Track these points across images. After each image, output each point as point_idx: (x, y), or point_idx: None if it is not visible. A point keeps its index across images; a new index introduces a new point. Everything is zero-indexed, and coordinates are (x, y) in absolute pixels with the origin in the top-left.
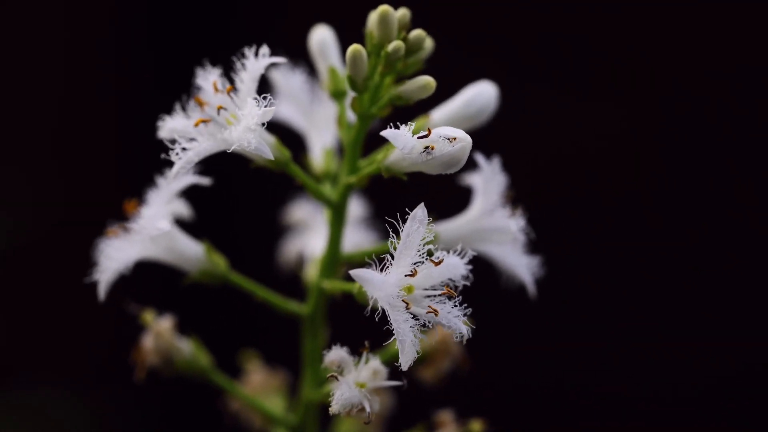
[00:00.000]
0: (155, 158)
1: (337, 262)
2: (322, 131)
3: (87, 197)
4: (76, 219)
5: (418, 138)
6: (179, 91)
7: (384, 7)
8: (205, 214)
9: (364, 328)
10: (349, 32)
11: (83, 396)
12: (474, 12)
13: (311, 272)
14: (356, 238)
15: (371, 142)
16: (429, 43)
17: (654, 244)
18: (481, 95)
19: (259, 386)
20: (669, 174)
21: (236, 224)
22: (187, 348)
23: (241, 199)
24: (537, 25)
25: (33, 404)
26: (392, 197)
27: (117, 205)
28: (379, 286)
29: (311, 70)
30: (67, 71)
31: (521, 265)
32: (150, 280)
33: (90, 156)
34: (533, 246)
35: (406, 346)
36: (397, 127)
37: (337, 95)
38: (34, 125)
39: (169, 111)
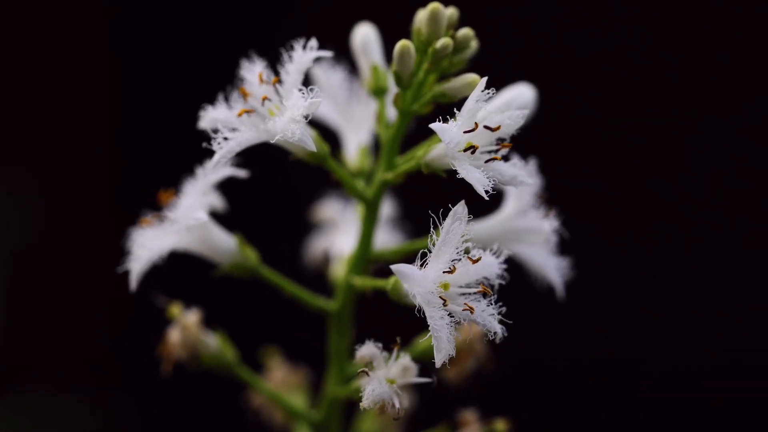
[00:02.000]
0: (162, 157)
1: (367, 259)
2: (358, 129)
3: (90, 201)
4: (81, 221)
5: (464, 132)
6: (205, 87)
7: (434, 4)
8: (237, 207)
9: (388, 326)
10: (389, 33)
11: (86, 398)
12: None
13: (339, 269)
14: (383, 238)
15: (404, 142)
16: (475, 43)
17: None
18: (519, 97)
19: (280, 383)
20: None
21: (264, 219)
22: (213, 342)
23: (269, 194)
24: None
25: (36, 407)
26: (419, 199)
27: (117, 207)
28: (418, 282)
29: (350, 69)
30: (68, 69)
31: (551, 267)
32: (175, 274)
33: (94, 157)
34: (564, 247)
35: (442, 344)
36: (444, 121)
37: (378, 92)
38: (38, 124)
39: (181, 107)
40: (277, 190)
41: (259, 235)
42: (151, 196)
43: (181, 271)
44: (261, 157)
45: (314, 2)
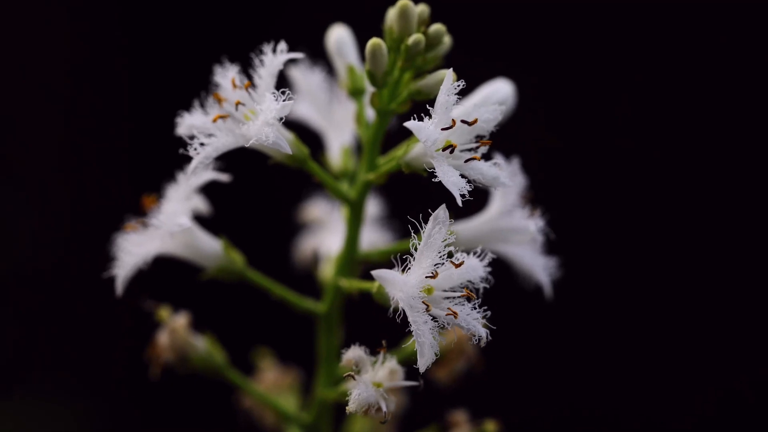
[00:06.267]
0: (163, 163)
1: (353, 260)
2: (340, 130)
3: (89, 207)
4: (81, 227)
5: (442, 130)
6: (189, 91)
7: (404, 2)
8: (221, 210)
9: (378, 327)
10: (366, 33)
11: (82, 400)
12: (487, 11)
13: (327, 271)
14: (370, 237)
15: (387, 141)
16: (448, 39)
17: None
18: (497, 93)
19: (272, 384)
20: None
21: (252, 222)
22: (202, 345)
23: (257, 196)
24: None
25: (28, 410)
26: (407, 196)
27: (116, 212)
28: (400, 287)
29: (330, 71)
30: (73, 74)
31: (538, 266)
32: (163, 277)
33: (98, 166)
34: (551, 246)
35: (425, 348)
36: (420, 119)
37: (356, 93)
38: (39, 136)
39: (174, 112)
40: (264, 192)
41: (246, 238)
42: (138, 200)
43: (171, 275)
44: (246, 159)
45: (305, 4)
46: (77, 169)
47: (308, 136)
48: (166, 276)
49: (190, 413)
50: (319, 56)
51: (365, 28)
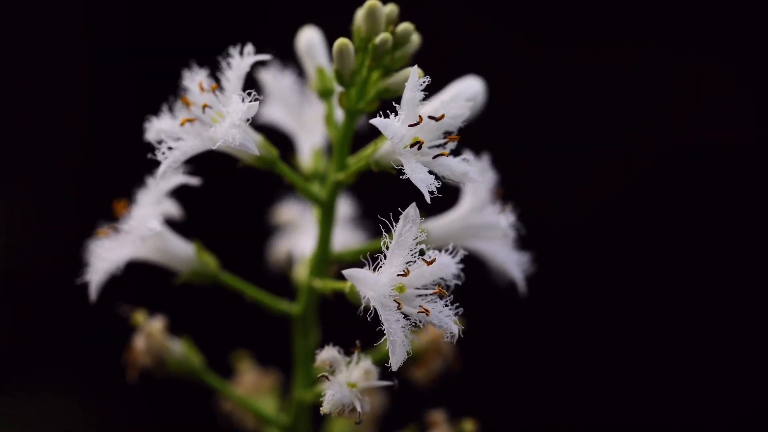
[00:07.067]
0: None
1: (327, 261)
2: (311, 132)
3: (84, 202)
4: (75, 223)
5: (410, 126)
6: (165, 94)
7: (371, 2)
8: (194, 214)
9: (354, 327)
10: (338, 35)
11: (82, 399)
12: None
13: (301, 272)
14: (344, 238)
15: (358, 141)
16: (416, 38)
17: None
18: (467, 90)
19: (251, 386)
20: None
21: (225, 224)
22: (178, 348)
23: (231, 199)
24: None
25: (33, 408)
26: (380, 196)
27: (102, 208)
28: (371, 286)
29: (301, 73)
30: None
31: (511, 262)
32: (140, 281)
33: (86, 160)
34: (522, 242)
35: (397, 347)
36: (386, 116)
37: (325, 94)
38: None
39: (145, 114)
40: (236, 194)
41: (219, 241)
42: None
43: (146, 279)
44: (218, 162)
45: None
46: (87, 168)
47: (280, 138)
48: (142, 280)
49: (170, 415)
50: (290, 59)
51: (338, 30)
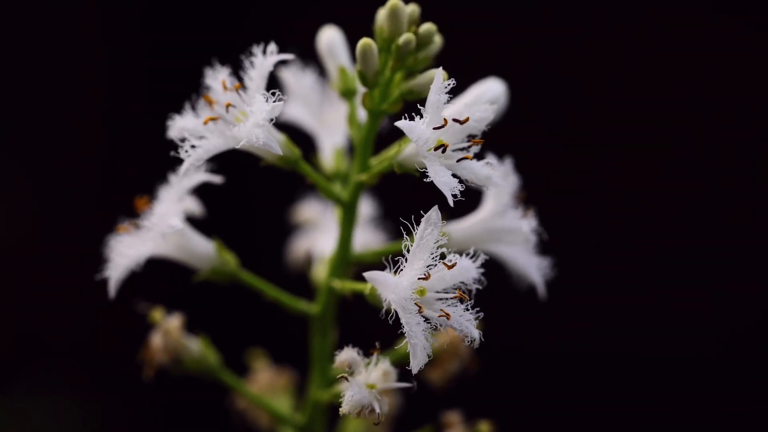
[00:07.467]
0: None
1: (347, 261)
2: (333, 132)
3: (86, 199)
4: (75, 220)
5: (434, 129)
6: (183, 91)
7: (393, 1)
8: (215, 212)
9: (372, 328)
10: (358, 35)
11: (82, 399)
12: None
13: (320, 272)
14: (365, 238)
15: (379, 142)
16: (439, 38)
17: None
18: (489, 92)
19: (266, 385)
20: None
21: (246, 223)
22: (195, 346)
23: (252, 197)
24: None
25: (33, 408)
26: (400, 196)
27: (116, 206)
28: (392, 289)
29: (322, 73)
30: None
31: (532, 266)
32: (158, 278)
33: (85, 154)
34: (544, 246)
35: (418, 350)
36: (412, 119)
37: (347, 94)
38: (32, 118)
39: (168, 112)
40: (257, 193)
41: (239, 239)
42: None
43: (165, 276)
44: (240, 161)
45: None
46: (106, 165)
47: (301, 137)
48: (160, 277)
49: (184, 414)
50: (311, 58)
51: (358, 29)
